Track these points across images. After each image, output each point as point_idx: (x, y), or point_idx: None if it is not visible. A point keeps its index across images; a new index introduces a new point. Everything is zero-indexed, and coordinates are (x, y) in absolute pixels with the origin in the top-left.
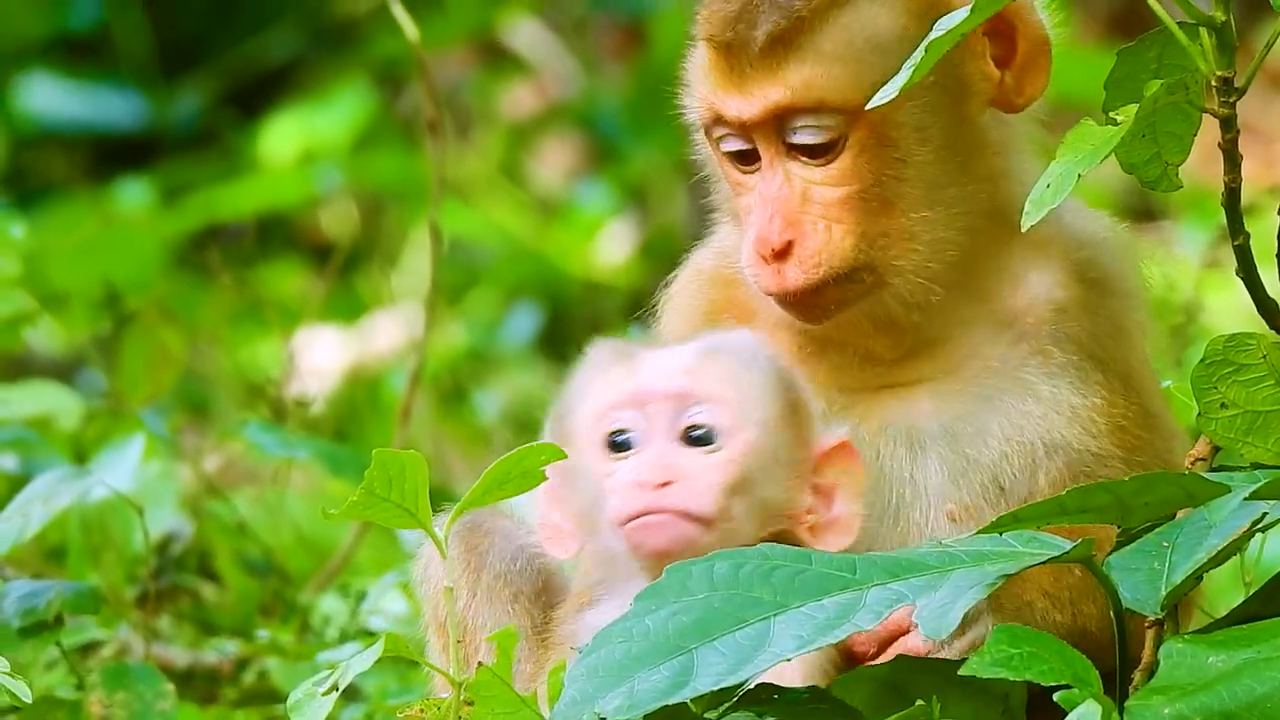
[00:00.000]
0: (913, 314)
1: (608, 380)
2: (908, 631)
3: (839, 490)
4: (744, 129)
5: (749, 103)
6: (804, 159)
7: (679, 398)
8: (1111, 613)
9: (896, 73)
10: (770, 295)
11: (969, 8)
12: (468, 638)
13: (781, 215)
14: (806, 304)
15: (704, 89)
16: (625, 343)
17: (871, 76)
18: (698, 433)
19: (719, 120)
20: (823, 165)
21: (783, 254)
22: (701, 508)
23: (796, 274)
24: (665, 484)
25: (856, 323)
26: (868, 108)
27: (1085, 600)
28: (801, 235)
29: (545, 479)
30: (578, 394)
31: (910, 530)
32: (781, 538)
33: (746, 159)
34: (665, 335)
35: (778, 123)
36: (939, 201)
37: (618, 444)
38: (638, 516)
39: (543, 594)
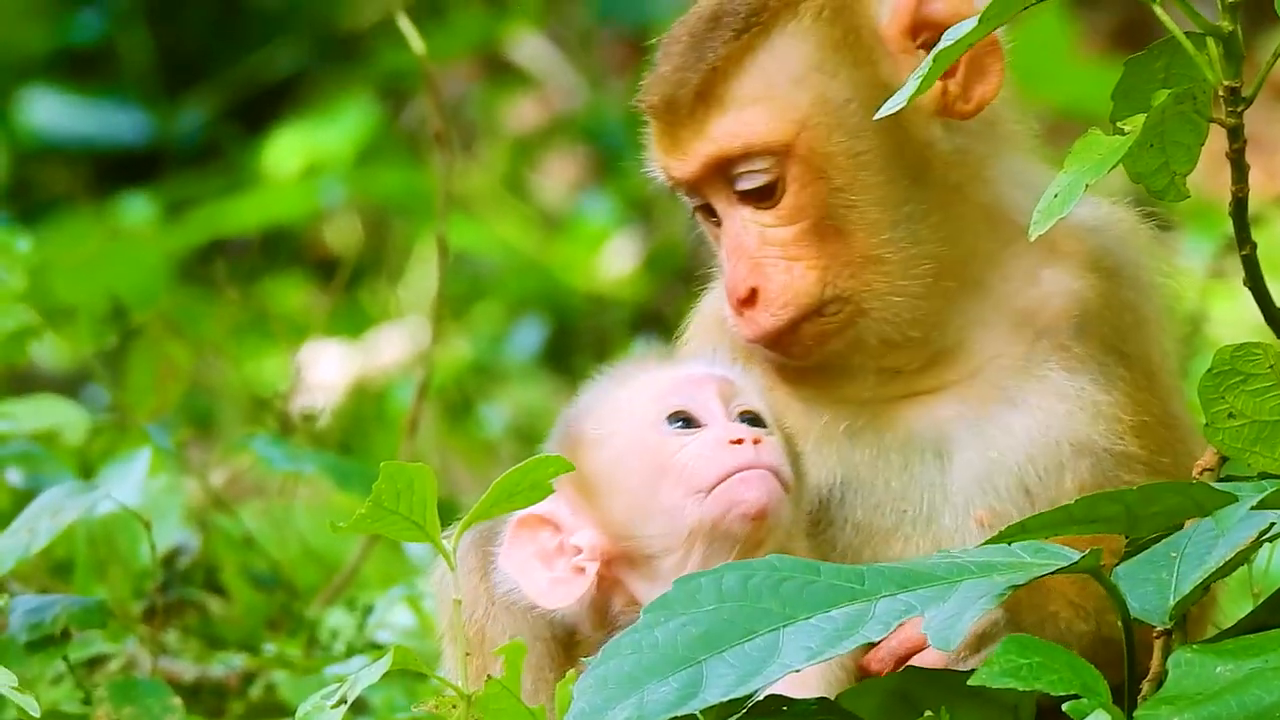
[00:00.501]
0: (910, 331)
1: (651, 373)
2: (922, 648)
3: None
4: (692, 187)
5: (686, 162)
6: (753, 204)
7: (729, 383)
8: (1119, 622)
9: (821, 104)
10: (748, 341)
11: (977, 17)
12: (486, 646)
13: (743, 262)
14: (785, 345)
15: (653, 155)
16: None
17: (794, 113)
18: (750, 417)
19: (672, 183)
20: (770, 207)
21: (750, 300)
22: (787, 471)
23: (766, 317)
24: (756, 441)
25: (855, 349)
26: (875, 117)
27: (1110, 610)
28: (764, 279)
29: (553, 491)
30: (608, 396)
31: (941, 536)
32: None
33: (710, 213)
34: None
35: (720, 174)
36: (898, 221)
37: (686, 420)
38: (731, 475)
39: None
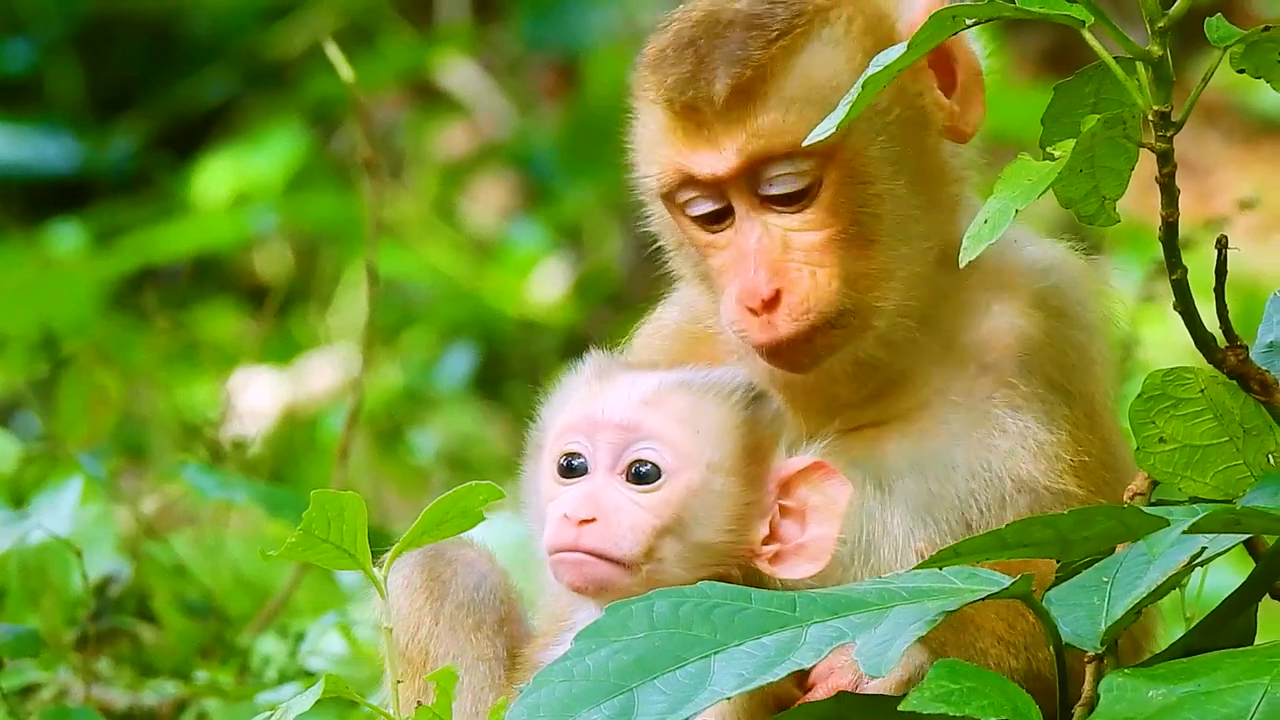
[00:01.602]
0: (888, 354)
1: (575, 399)
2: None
3: (812, 513)
4: (716, 186)
5: (721, 158)
6: (780, 207)
7: (627, 430)
8: (1051, 648)
9: (867, 109)
10: (759, 347)
11: (904, 45)
12: (430, 666)
13: (766, 266)
14: (796, 352)
15: (666, 153)
16: (613, 360)
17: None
18: (640, 469)
19: (687, 182)
20: (800, 211)
21: (771, 304)
22: (621, 550)
23: (787, 322)
24: (588, 521)
25: (832, 368)
26: (804, 144)
27: (1039, 645)
28: (789, 283)
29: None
30: (553, 407)
31: (880, 568)
32: (726, 577)
33: (715, 219)
34: None
35: (751, 175)
36: (912, 236)
37: (569, 468)
38: (559, 551)
39: (505, 623)
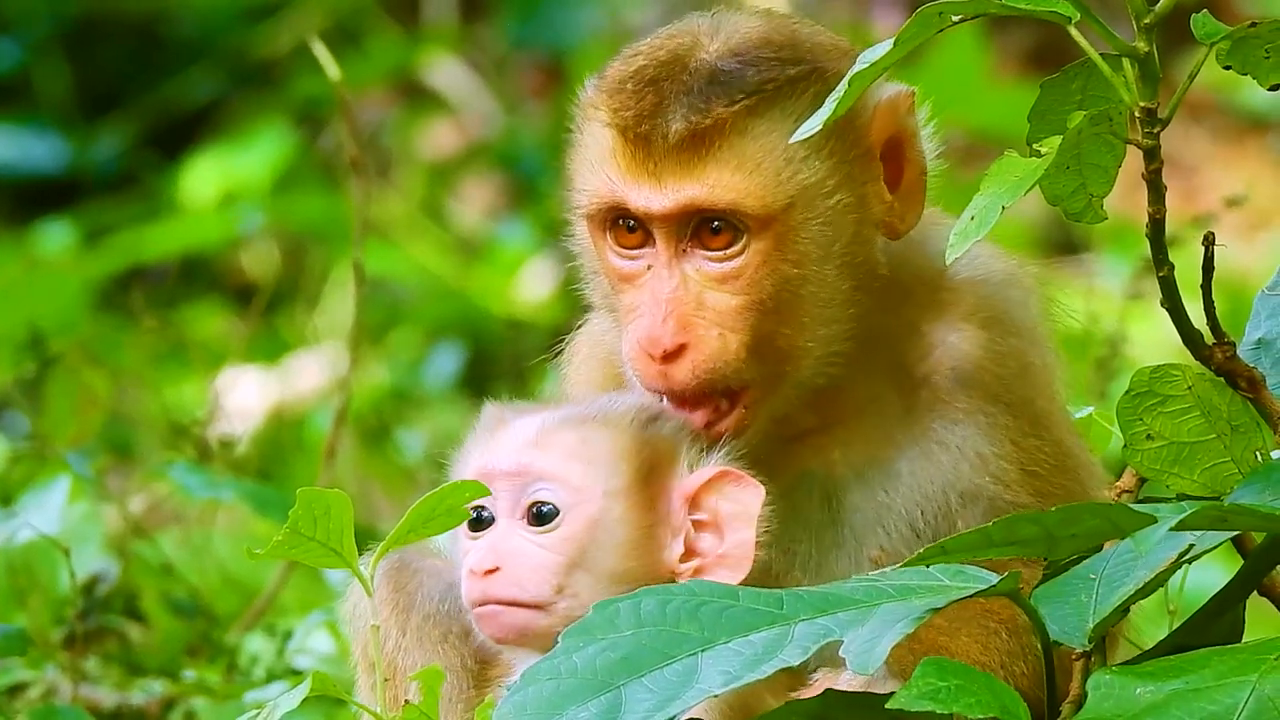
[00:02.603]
0: (816, 388)
1: (473, 455)
2: None
3: (726, 521)
4: (647, 221)
5: (660, 195)
6: (704, 263)
7: (519, 475)
8: (1039, 644)
9: (813, 188)
10: (653, 392)
11: (890, 41)
12: (397, 677)
13: (675, 317)
14: (688, 403)
15: (606, 177)
16: (505, 409)
17: (785, 190)
18: (540, 509)
19: (618, 208)
20: (723, 270)
21: (671, 356)
22: (529, 593)
23: (686, 376)
24: (492, 571)
25: (754, 418)
26: (791, 140)
27: (1017, 661)
28: (695, 340)
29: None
30: (456, 467)
31: (834, 577)
32: None
33: (635, 255)
34: (570, 395)
35: (683, 221)
36: (831, 320)
37: (477, 521)
38: (474, 606)
39: (472, 633)
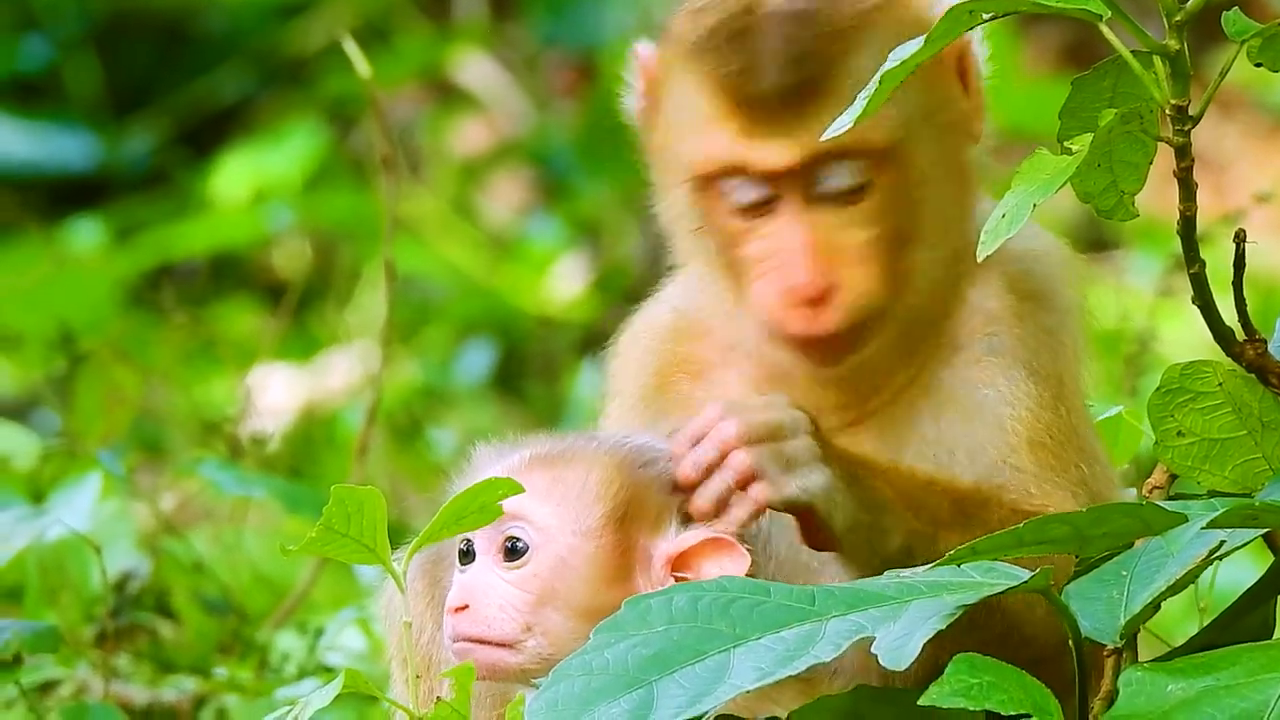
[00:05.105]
0: (885, 348)
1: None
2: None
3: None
4: (769, 178)
5: (781, 150)
6: (831, 204)
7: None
8: (1070, 642)
9: (922, 111)
10: (797, 339)
11: (921, 39)
12: (432, 671)
13: (816, 261)
14: (833, 347)
15: (715, 140)
16: (492, 448)
17: (901, 117)
18: (513, 545)
19: (736, 171)
20: (851, 209)
21: (820, 299)
22: (494, 630)
23: (835, 317)
24: (461, 608)
25: (857, 361)
26: (823, 138)
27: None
28: (839, 279)
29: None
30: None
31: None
32: None
33: (756, 208)
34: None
35: (807, 170)
36: (945, 237)
37: (465, 555)
38: (451, 642)
39: None
